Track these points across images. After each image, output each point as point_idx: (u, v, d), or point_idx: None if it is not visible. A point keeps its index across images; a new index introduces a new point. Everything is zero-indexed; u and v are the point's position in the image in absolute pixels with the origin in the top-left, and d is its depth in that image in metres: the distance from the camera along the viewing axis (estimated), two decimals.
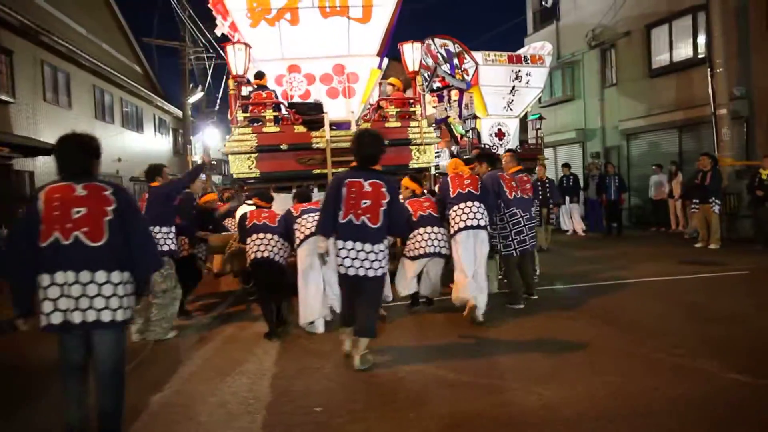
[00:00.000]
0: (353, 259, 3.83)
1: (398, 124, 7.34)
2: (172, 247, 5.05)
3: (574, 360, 3.83)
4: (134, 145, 20.42)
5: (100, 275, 2.59)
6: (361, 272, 3.84)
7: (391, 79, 8.31)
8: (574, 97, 16.73)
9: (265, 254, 4.86)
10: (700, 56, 11.73)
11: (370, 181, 3.88)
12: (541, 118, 14.79)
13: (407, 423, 2.99)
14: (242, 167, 6.55)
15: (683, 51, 12.33)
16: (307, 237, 4.74)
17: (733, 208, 9.75)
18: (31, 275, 2.58)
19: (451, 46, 13.65)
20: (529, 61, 13.49)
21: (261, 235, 4.93)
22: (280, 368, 4.03)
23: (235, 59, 6.43)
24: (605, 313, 5.04)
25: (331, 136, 6.82)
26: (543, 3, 17.65)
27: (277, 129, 6.74)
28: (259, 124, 6.75)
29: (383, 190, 3.89)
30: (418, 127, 7.34)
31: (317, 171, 6.91)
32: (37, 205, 2.60)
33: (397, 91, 7.98)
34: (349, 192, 3.86)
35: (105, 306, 2.59)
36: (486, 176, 5.47)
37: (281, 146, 6.68)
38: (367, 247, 3.83)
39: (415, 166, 7.48)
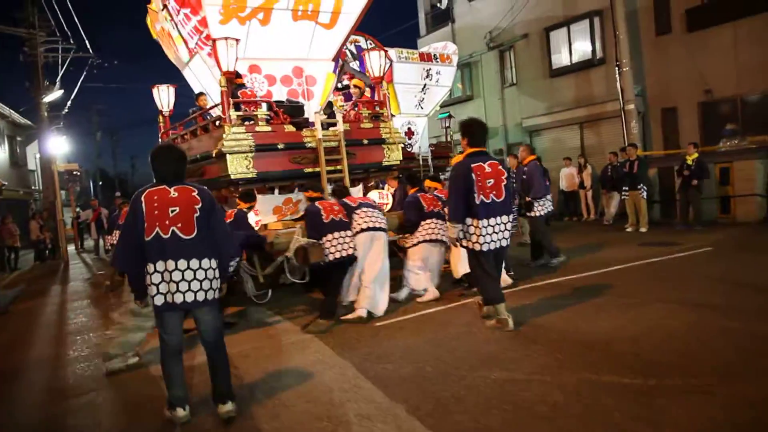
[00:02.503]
0: (495, 233, 4.42)
1: (371, 125, 7.90)
2: None
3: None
4: None
5: (194, 263, 3.18)
6: (504, 243, 4.52)
7: (355, 81, 9.10)
8: (474, 97, 17.79)
9: (351, 252, 5.15)
10: (598, 57, 13.20)
11: (489, 162, 4.49)
12: (450, 116, 15.43)
13: None
14: (240, 167, 6.32)
15: (581, 52, 13.79)
16: (368, 229, 5.29)
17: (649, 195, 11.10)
18: (141, 265, 3.19)
19: (362, 43, 13.62)
20: (438, 60, 13.98)
21: (342, 233, 5.16)
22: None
23: (227, 55, 6.21)
24: (666, 295, 5.24)
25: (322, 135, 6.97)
26: (437, 5, 18.41)
27: (269, 128, 6.71)
28: (251, 123, 6.62)
29: (500, 167, 4.53)
30: (387, 127, 8.04)
31: (309, 170, 7.02)
32: (140, 207, 3.18)
33: (358, 92, 8.56)
34: (476, 175, 4.38)
35: (200, 288, 3.19)
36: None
37: (278, 145, 6.67)
38: (504, 219, 4.49)
39: (387, 163, 8.08)
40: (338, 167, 7.22)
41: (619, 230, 10.25)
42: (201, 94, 8.14)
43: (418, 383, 3.53)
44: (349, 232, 5.22)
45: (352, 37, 11.18)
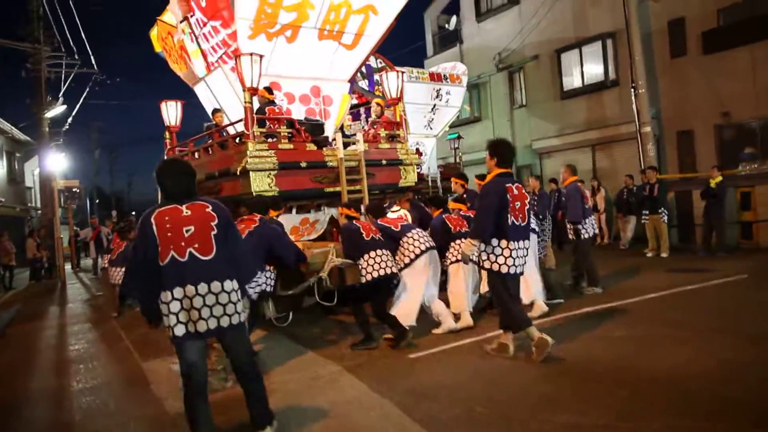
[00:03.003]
0: (520, 257, 4.34)
1: (388, 146, 7.93)
2: None
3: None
4: None
5: (215, 285, 2.92)
6: (521, 269, 4.40)
7: (377, 100, 9.13)
8: (482, 118, 17.66)
9: (394, 269, 4.99)
10: (611, 79, 13.08)
11: (517, 184, 4.43)
12: (459, 137, 15.27)
13: None
14: (263, 185, 6.19)
15: (593, 74, 13.69)
16: (425, 251, 5.28)
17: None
18: (155, 292, 2.93)
19: (372, 61, 13.49)
20: (448, 80, 13.90)
21: (381, 251, 4.97)
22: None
23: (251, 70, 6.13)
24: (718, 325, 4.97)
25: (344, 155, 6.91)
26: (445, 26, 18.42)
27: (291, 146, 6.64)
28: (274, 140, 6.54)
29: (524, 191, 4.45)
30: (404, 148, 8.10)
31: (329, 189, 6.91)
32: (150, 229, 2.90)
33: (379, 111, 8.62)
34: (510, 196, 4.28)
35: (224, 312, 2.93)
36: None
37: (301, 164, 6.58)
38: (527, 243, 4.45)
39: (404, 184, 8.07)
40: (357, 187, 7.10)
41: (637, 255, 9.97)
42: (217, 110, 7.97)
43: (476, 428, 3.19)
44: (386, 251, 5.02)
45: None
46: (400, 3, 8.13)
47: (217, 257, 2.95)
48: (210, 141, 7.66)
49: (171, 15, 8.74)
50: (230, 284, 2.98)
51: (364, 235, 5.01)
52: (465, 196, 6.97)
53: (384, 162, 7.70)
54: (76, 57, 16.14)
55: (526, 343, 4.38)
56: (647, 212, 9.89)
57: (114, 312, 8.22)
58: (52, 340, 7.12)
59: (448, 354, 4.74)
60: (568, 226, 6.97)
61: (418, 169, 12.57)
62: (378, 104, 8.58)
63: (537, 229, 5.99)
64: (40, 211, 21.35)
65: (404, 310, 5.21)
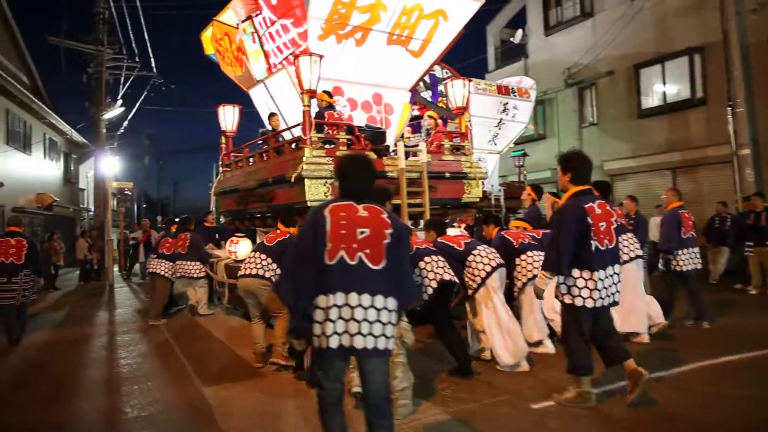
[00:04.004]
0: (606, 287, 3.75)
1: (452, 158, 7.65)
2: None
3: None
4: (20, 168, 17.23)
5: (379, 300, 2.62)
6: (616, 298, 3.83)
7: (430, 113, 8.96)
8: (546, 136, 16.92)
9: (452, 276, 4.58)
10: (698, 97, 12.15)
11: (598, 202, 3.85)
12: (524, 154, 14.59)
13: None
14: (318, 194, 5.90)
15: (677, 92, 12.80)
16: (496, 267, 4.80)
17: None
18: (311, 295, 2.64)
19: (438, 71, 13.04)
20: (516, 94, 13.32)
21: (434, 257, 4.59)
22: None
23: (310, 72, 5.94)
24: None
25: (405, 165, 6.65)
26: (509, 40, 17.88)
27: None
28: (332, 146, 6.33)
29: (608, 207, 3.90)
30: (469, 161, 7.81)
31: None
32: (324, 223, 2.65)
33: (433, 124, 8.42)
34: (592, 218, 3.74)
35: (382, 333, 2.61)
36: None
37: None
38: (617, 269, 3.86)
39: (467, 200, 7.75)
40: (418, 200, 6.70)
41: (733, 291, 8.97)
42: (273, 114, 7.77)
43: None
44: (441, 257, 4.65)
45: None
46: (471, 10, 8.00)
47: (385, 269, 2.66)
48: (265, 146, 7.40)
49: (229, 15, 8.67)
50: (392, 302, 2.67)
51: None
52: (528, 212, 6.50)
53: (447, 175, 7.36)
54: (137, 60, 16.54)
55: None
56: (752, 244, 8.88)
57: (156, 319, 8.03)
58: (102, 351, 6.65)
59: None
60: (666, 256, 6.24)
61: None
62: (431, 117, 8.37)
63: (642, 254, 5.48)
64: (92, 212, 22.06)
65: (504, 348, 4.68)
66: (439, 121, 11.27)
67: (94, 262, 15.52)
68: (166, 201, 46.26)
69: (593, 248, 3.70)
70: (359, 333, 2.56)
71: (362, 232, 2.65)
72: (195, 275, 7.95)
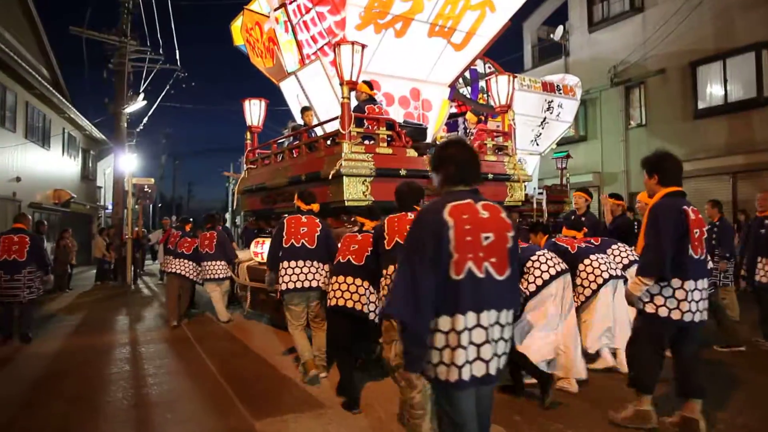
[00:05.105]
0: (697, 301, 3.46)
1: (495, 158, 7.34)
2: None
3: None
4: (38, 163, 17.16)
5: (504, 316, 2.31)
6: (705, 315, 3.53)
7: (468, 115, 8.84)
8: (588, 138, 16.24)
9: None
10: (765, 96, 11.43)
11: (693, 208, 3.58)
12: (568, 156, 13.87)
13: None
14: (356, 193, 5.62)
15: (741, 90, 12.12)
16: (558, 273, 4.48)
17: None
18: (431, 316, 2.23)
19: (480, 66, 12.39)
20: (561, 92, 12.68)
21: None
22: None
23: (351, 62, 5.62)
24: None
25: None
26: (549, 37, 17.23)
27: (390, 151, 6.11)
28: (371, 142, 6.04)
29: (700, 215, 3.65)
30: (512, 162, 7.51)
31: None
32: (446, 231, 2.21)
33: (472, 126, 8.25)
34: (691, 223, 3.47)
35: (503, 352, 2.32)
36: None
37: (400, 171, 5.95)
38: (707, 282, 3.57)
39: (510, 203, 7.46)
40: None
41: None
42: (307, 108, 7.39)
43: None
44: None
45: None
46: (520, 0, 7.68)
47: (509, 278, 2.34)
48: (296, 142, 6.92)
49: (261, 3, 8.29)
50: (512, 316, 2.39)
51: None
52: (584, 219, 5.94)
53: (490, 176, 7.02)
54: (160, 52, 16.25)
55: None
56: None
57: (174, 321, 7.82)
58: (124, 365, 5.91)
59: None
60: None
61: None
62: (474, 114, 8.33)
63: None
64: (109, 210, 21.85)
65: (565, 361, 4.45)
66: (481, 118, 10.73)
67: (111, 261, 15.21)
68: (179, 201, 46.70)
69: (689, 254, 3.43)
70: (495, 355, 2.26)
71: (487, 238, 2.26)
72: (221, 276, 7.79)
